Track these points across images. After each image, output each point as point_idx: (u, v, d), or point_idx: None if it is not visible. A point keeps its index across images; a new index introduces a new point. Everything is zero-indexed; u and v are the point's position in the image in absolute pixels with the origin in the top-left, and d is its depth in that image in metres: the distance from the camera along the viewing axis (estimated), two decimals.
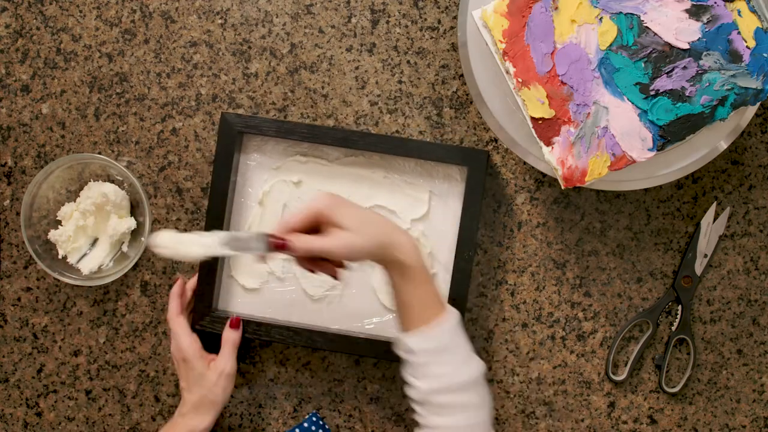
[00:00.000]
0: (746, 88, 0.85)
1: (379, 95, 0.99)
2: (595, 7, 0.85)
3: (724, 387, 0.99)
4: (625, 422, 1.00)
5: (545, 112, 0.86)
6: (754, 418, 1.00)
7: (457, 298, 0.94)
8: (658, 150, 0.86)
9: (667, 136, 0.86)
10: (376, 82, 0.99)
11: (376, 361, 0.99)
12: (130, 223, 0.97)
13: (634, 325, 0.99)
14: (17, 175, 0.98)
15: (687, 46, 0.85)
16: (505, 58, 0.86)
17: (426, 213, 0.97)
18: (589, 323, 0.99)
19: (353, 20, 0.98)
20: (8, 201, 0.98)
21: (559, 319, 0.99)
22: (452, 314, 0.82)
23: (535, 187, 0.98)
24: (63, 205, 0.97)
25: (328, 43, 0.99)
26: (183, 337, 0.92)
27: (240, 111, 0.99)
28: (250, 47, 0.99)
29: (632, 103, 0.86)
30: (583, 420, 1.00)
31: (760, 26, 0.85)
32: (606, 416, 1.00)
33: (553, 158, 0.86)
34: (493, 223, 0.98)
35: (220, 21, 0.99)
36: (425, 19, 0.98)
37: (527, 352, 0.99)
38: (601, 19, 0.85)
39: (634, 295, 0.99)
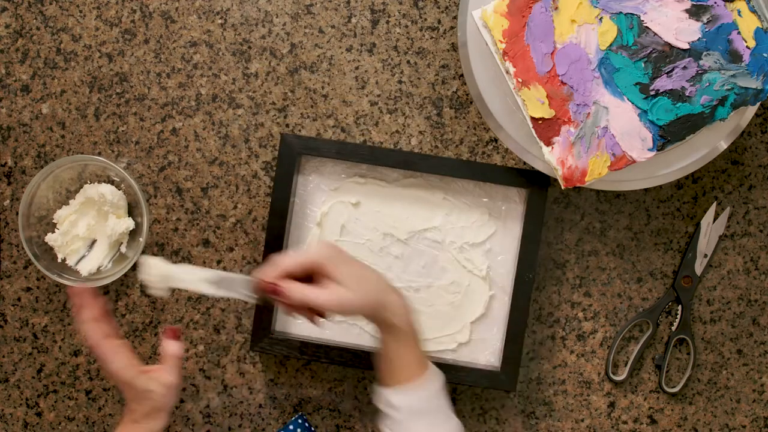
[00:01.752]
0: (746, 88, 0.86)
1: (379, 95, 0.99)
2: (595, 7, 0.85)
3: (724, 387, 0.99)
4: (625, 422, 1.00)
5: (545, 112, 0.86)
6: (754, 418, 1.00)
7: (517, 322, 0.95)
8: (658, 150, 0.86)
9: (667, 136, 0.86)
10: (376, 82, 0.99)
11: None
12: (129, 223, 0.97)
13: (634, 325, 0.99)
14: (17, 175, 0.98)
15: (687, 46, 0.85)
16: (505, 58, 0.86)
17: (493, 233, 0.97)
18: (589, 323, 0.99)
19: (353, 20, 0.98)
20: (8, 201, 0.98)
21: (559, 319, 0.99)
22: (436, 375, 0.84)
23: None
24: (61, 207, 0.97)
25: (328, 43, 0.99)
26: (113, 363, 0.85)
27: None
28: (250, 47, 0.99)
29: (632, 103, 0.86)
30: (583, 420, 1.00)
31: (760, 26, 0.85)
32: (606, 416, 1.00)
33: (553, 158, 0.86)
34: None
35: (220, 21, 0.99)
36: (425, 19, 0.98)
37: (527, 352, 0.99)
38: (601, 19, 0.85)
39: (634, 295, 0.99)
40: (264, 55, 0.99)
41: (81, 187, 0.98)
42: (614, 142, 0.86)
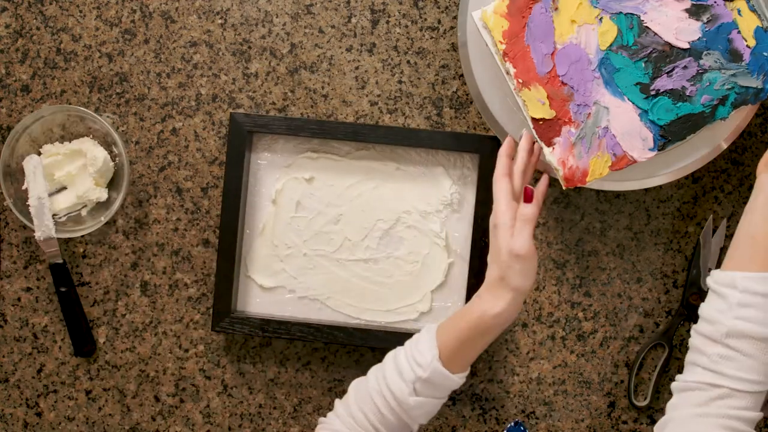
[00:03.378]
0: (747, 87, 0.85)
1: (379, 95, 0.99)
2: (595, 7, 0.85)
3: None
4: (625, 422, 1.00)
5: (546, 112, 0.86)
6: None
7: (476, 288, 0.95)
8: (659, 150, 0.86)
9: (668, 135, 0.86)
10: (376, 82, 0.99)
11: (376, 361, 0.99)
12: (102, 194, 0.98)
13: (648, 350, 0.98)
14: (18, 176, 0.98)
15: (687, 46, 0.85)
16: (506, 58, 0.86)
17: (448, 201, 0.98)
18: (589, 323, 0.99)
19: (353, 20, 0.98)
20: (8, 201, 0.98)
21: (559, 319, 0.99)
22: None
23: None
24: (54, 143, 0.98)
25: (328, 43, 0.99)
26: (500, 203, 0.82)
27: (240, 111, 0.99)
28: (250, 47, 0.99)
29: (633, 103, 0.86)
30: (583, 420, 1.00)
31: (760, 25, 0.85)
32: (606, 416, 1.00)
33: (554, 158, 0.86)
34: None
35: (220, 21, 0.99)
36: (425, 19, 0.98)
37: (527, 352, 0.99)
38: (601, 19, 0.85)
39: (634, 295, 0.99)
40: (264, 55, 0.99)
41: (78, 136, 0.99)
42: (615, 142, 0.86)
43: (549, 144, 0.86)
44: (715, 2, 0.85)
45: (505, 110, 0.93)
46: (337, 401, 0.84)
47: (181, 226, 1.00)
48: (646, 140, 0.86)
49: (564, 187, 0.88)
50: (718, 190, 0.99)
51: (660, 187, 0.98)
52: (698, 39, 0.85)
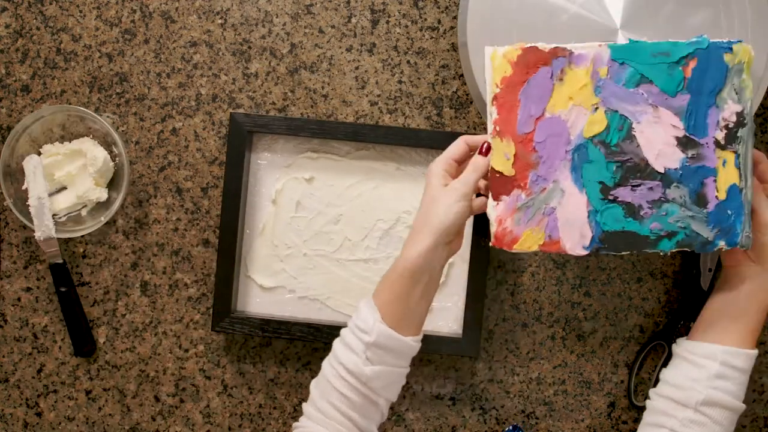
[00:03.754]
0: (698, 234, 0.84)
1: (379, 95, 0.99)
2: (597, 95, 0.84)
3: None
4: (625, 422, 1.00)
5: (507, 169, 0.85)
6: (754, 418, 1.00)
7: (476, 288, 0.96)
8: (590, 252, 0.85)
9: (606, 243, 0.84)
10: (376, 82, 0.99)
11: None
12: (102, 194, 0.98)
13: (648, 350, 0.99)
14: (18, 176, 0.98)
15: (662, 171, 0.83)
16: (494, 102, 0.85)
17: None
18: (589, 323, 0.99)
19: (353, 20, 0.98)
20: (8, 201, 0.98)
21: (559, 319, 0.99)
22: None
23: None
24: (54, 143, 0.99)
25: (328, 43, 0.99)
26: (447, 152, 0.85)
27: (240, 111, 0.99)
28: (250, 47, 0.99)
29: (588, 198, 0.84)
30: (583, 420, 1.00)
31: (737, 184, 0.83)
32: (606, 416, 1.00)
33: (494, 213, 0.85)
34: None
35: (220, 21, 0.99)
36: (425, 19, 0.98)
37: (527, 352, 0.99)
38: (596, 108, 0.84)
39: (634, 295, 0.99)
40: (264, 55, 0.99)
41: (78, 136, 0.99)
42: (555, 225, 0.85)
43: (496, 198, 0.85)
44: (707, 144, 0.83)
45: None
46: (304, 404, 0.83)
47: (181, 226, 1.00)
48: (584, 238, 0.85)
49: (490, 244, 0.86)
50: None
51: None
52: (675, 169, 0.84)
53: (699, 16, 0.89)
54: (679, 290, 0.99)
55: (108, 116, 1.00)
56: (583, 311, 0.99)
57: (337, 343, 0.83)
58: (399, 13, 0.98)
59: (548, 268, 0.99)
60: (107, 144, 0.99)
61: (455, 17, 0.98)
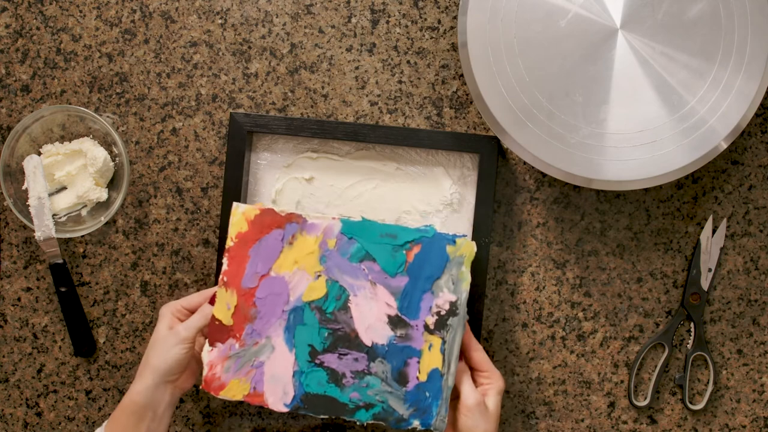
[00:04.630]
0: (394, 410, 0.88)
1: (379, 95, 0.99)
2: (321, 264, 0.89)
3: (724, 387, 1.00)
4: (625, 422, 1.00)
5: (226, 318, 0.89)
6: (754, 418, 1.00)
7: (476, 288, 0.96)
8: (291, 409, 0.89)
9: (306, 404, 0.88)
10: (376, 82, 0.99)
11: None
12: (102, 194, 0.98)
13: (648, 350, 0.99)
14: (18, 176, 0.98)
15: (369, 345, 0.88)
16: (225, 254, 0.89)
17: (449, 201, 0.98)
18: (589, 323, 0.99)
19: (353, 20, 0.98)
20: (8, 201, 0.98)
21: (559, 319, 0.99)
22: None
23: (535, 187, 0.99)
24: (54, 143, 0.98)
25: (328, 43, 0.99)
26: (173, 302, 0.91)
27: (240, 111, 0.99)
28: (250, 47, 0.99)
29: (296, 358, 0.88)
30: (583, 420, 1.00)
31: (440, 369, 0.88)
32: (606, 416, 1.00)
33: (206, 357, 0.89)
34: (493, 223, 0.99)
35: (220, 21, 0.99)
36: (425, 19, 0.98)
37: (527, 352, 0.99)
38: (319, 276, 0.88)
39: (634, 295, 0.99)
40: (264, 55, 0.99)
41: (78, 136, 0.99)
42: (261, 379, 0.88)
43: (211, 344, 0.89)
44: (417, 327, 0.88)
45: (505, 110, 0.93)
46: None
47: (181, 226, 1.00)
48: (287, 395, 0.88)
49: (201, 387, 0.90)
50: (718, 190, 0.99)
51: (660, 187, 0.98)
52: (382, 345, 0.88)
53: (699, 14, 0.89)
54: (679, 290, 0.99)
55: (108, 116, 1.00)
56: (583, 311, 0.99)
57: None
58: (399, 13, 0.98)
59: (548, 268, 0.99)
60: (107, 144, 0.99)
61: (455, 17, 0.98)
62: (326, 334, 0.88)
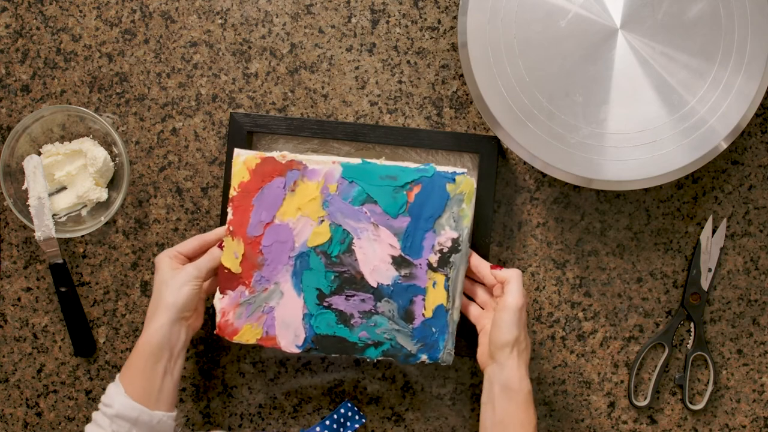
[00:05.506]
0: (402, 346, 0.90)
1: (379, 95, 0.99)
2: (324, 209, 0.90)
3: (724, 387, 1.00)
4: (625, 422, 1.00)
5: (235, 267, 0.91)
6: (754, 418, 1.00)
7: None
8: (303, 351, 0.91)
9: (317, 345, 0.91)
10: (376, 82, 0.99)
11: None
12: (102, 194, 0.98)
13: (648, 350, 0.99)
14: (18, 176, 0.98)
15: (375, 286, 0.90)
16: (230, 204, 0.90)
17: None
18: (589, 323, 0.99)
19: (353, 20, 0.98)
20: (8, 201, 0.98)
21: (559, 319, 0.99)
22: None
23: (535, 187, 0.99)
24: (54, 143, 0.98)
25: (328, 43, 0.99)
26: (168, 249, 0.91)
27: (240, 111, 0.99)
28: (250, 47, 0.99)
29: (305, 302, 0.90)
30: (583, 420, 1.00)
31: (444, 305, 0.90)
32: (606, 416, 1.00)
33: (219, 304, 0.91)
34: (493, 223, 0.99)
35: (220, 21, 0.99)
36: (425, 19, 0.98)
37: None
38: (322, 221, 0.90)
39: (634, 295, 0.99)
40: (264, 55, 0.99)
41: (78, 136, 0.99)
42: (272, 323, 0.91)
43: (222, 291, 0.91)
44: (420, 265, 0.89)
45: (505, 110, 0.93)
46: None
47: (181, 226, 1.00)
48: (298, 337, 0.91)
49: (215, 332, 0.92)
50: (718, 190, 0.99)
51: (660, 187, 0.98)
52: (387, 285, 0.90)
53: (699, 14, 0.89)
54: (679, 290, 0.99)
55: (108, 116, 1.00)
56: (583, 311, 0.99)
57: (87, 427, 0.86)
58: (399, 13, 0.98)
59: (548, 268, 0.99)
60: (107, 144, 0.99)
61: (455, 17, 0.98)
62: (332, 278, 0.90)
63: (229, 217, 0.90)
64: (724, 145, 0.92)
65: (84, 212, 0.99)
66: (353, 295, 0.90)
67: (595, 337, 0.99)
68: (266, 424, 1.01)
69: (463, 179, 0.89)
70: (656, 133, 0.90)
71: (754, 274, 0.99)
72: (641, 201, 0.99)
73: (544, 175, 0.98)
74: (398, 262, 0.89)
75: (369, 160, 0.89)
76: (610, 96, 0.90)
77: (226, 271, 0.90)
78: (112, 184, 0.99)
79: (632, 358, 0.99)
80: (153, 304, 0.88)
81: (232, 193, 0.90)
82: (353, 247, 0.90)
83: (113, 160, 0.99)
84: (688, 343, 0.99)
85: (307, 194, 0.90)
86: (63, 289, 0.99)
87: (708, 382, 0.99)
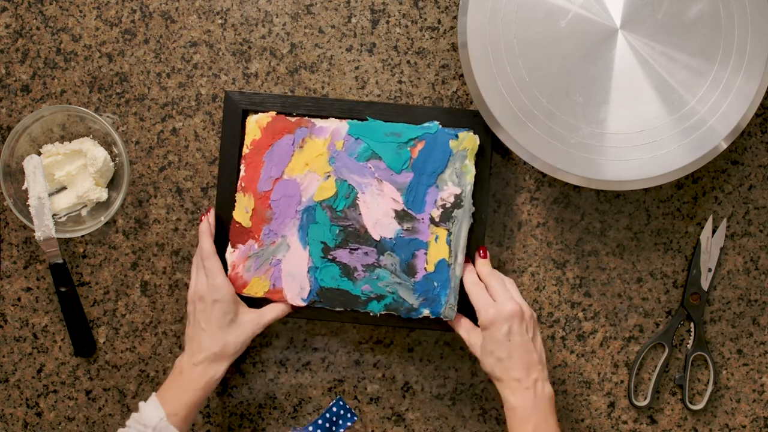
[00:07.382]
0: (404, 300, 0.92)
1: (379, 95, 0.99)
2: (330, 165, 0.93)
3: (724, 387, 1.00)
4: (625, 422, 1.00)
5: (245, 221, 0.94)
6: (754, 418, 1.00)
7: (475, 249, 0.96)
8: (307, 305, 0.93)
9: (322, 298, 0.93)
10: (376, 82, 0.99)
11: (376, 361, 0.99)
12: (102, 194, 0.98)
13: (648, 350, 0.99)
14: (18, 176, 0.98)
15: (378, 239, 0.92)
16: (242, 161, 0.93)
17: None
18: (589, 323, 0.99)
19: (353, 20, 0.98)
20: (8, 201, 0.98)
21: (559, 319, 0.99)
22: None
23: (535, 187, 0.99)
24: (54, 142, 0.98)
25: (328, 43, 0.99)
26: (219, 277, 0.91)
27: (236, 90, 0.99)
28: (250, 47, 0.99)
29: (310, 255, 0.93)
30: (583, 420, 1.00)
31: (447, 259, 0.91)
32: (606, 416, 1.00)
33: (229, 258, 0.94)
34: (493, 223, 0.99)
35: (220, 21, 0.99)
36: (425, 19, 0.98)
37: None
38: (328, 176, 0.93)
39: (634, 295, 0.99)
40: (264, 55, 0.99)
41: (78, 136, 0.99)
42: (279, 276, 0.93)
43: (233, 245, 0.94)
44: (422, 220, 0.91)
45: (505, 110, 0.93)
46: None
47: (181, 226, 1.00)
48: (303, 290, 0.93)
49: None
50: (718, 190, 0.99)
51: (660, 187, 0.98)
52: (390, 239, 0.92)
53: (699, 14, 0.89)
54: (679, 290, 0.99)
55: (108, 116, 1.00)
56: (583, 311, 0.99)
57: None
58: (399, 13, 0.98)
59: (548, 268, 0.99)
60: (107, 144, 0.99)
61: (455, 17, 0.98)
62: (337, 231, 0.92)
63: (242, 173, 0.93)
64: (724, 145, 0.92)
65: (84, 212, 0.99)
66: (357, 249, 0.92)
67: (595, 337, 0.99)
68: (266, 424, 1.01)
69: (466, 136, 0.91)
70: (656, 133, 0.90)
71: (754, 274, 0.99)
72: (641, 201, 0.99)
73: (544, 175, 0.98)
74: (401, 216, 0.91)
75: (375, 119, 0.92)
76: (610, 96, 0.90)
77: (237, 225, 0.93)
78: (112, 184, 0.99)
79: (632, 358, 0.99)
80: (217, 341, 0.89)
81: (245, 150, 0.93)
82: (357, 202, 0.92)
83: (113, 160, 0.99)
84: (688, 343, 0.99)
85: (315, 150, 0.93)
86: (63, 289, 0.99)
87: (708, 382, 0.99)
